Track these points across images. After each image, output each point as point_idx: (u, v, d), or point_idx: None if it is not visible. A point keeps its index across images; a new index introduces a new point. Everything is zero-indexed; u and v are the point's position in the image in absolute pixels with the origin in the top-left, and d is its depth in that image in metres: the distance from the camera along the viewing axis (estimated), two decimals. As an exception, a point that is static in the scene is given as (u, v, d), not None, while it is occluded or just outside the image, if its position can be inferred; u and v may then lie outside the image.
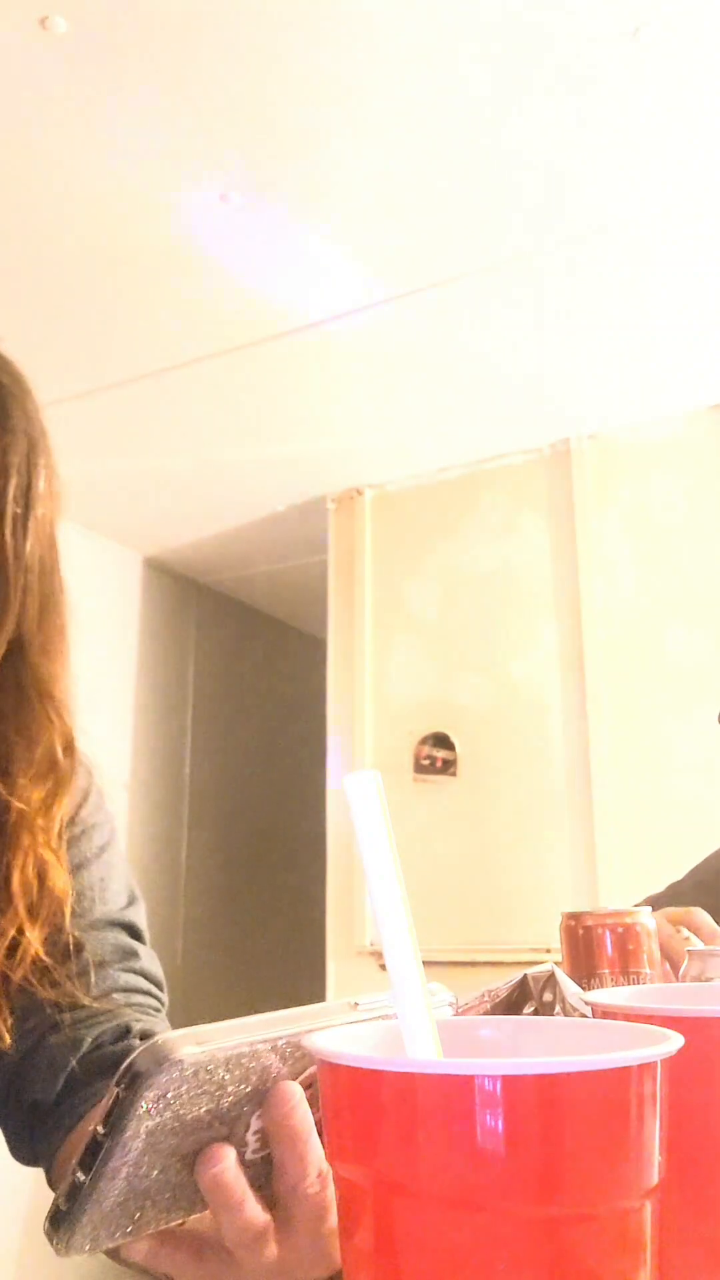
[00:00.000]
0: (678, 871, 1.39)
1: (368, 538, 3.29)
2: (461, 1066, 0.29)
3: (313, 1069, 0.46)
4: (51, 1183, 0.74)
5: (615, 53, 1.75)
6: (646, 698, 2.80)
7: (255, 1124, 0.46)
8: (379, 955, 2.89)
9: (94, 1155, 0.42)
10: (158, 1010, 0.79)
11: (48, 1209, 0.44)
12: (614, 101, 1.85)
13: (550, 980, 0.67)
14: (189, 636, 4.06)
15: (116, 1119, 0.41)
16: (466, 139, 1.93)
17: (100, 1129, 0.41)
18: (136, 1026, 0.75)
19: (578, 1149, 0.29)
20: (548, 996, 0.67)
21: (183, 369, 2.65)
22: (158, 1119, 0.41)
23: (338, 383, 2.75)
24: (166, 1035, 0.41)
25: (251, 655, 4.36)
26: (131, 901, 0.84)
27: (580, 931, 0.81)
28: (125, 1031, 0.75)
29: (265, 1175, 0.47)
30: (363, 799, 0.35)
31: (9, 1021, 0.72)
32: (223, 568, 3.98)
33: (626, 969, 0.79)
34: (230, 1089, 0.44)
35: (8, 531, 0.75)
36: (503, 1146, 0.29)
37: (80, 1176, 0.42)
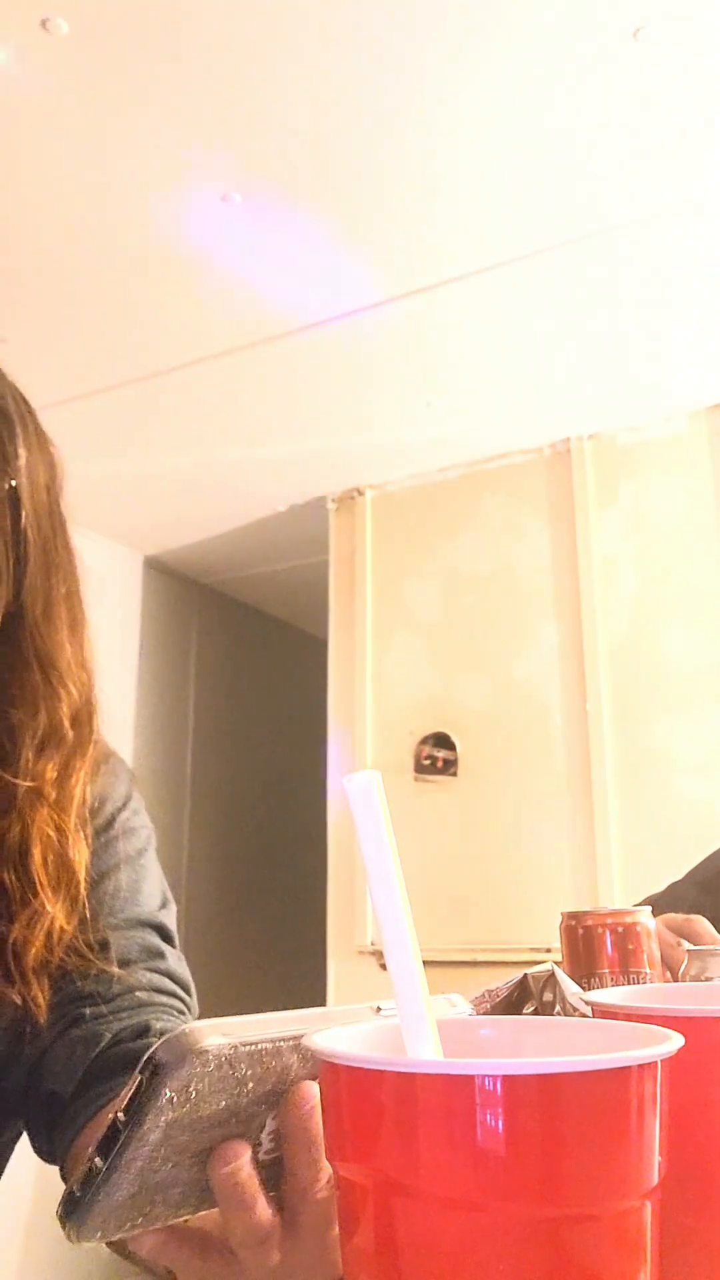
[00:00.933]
0: (677, 871, 1.39)
1: (368, 538, 3.29)
2: (462, 1066, 0.29)
3: None
4: (65, 1175, 0.74)
5: (615, 53, 1.75)
6: (646, 697, 2.80)
7: (270, 1124, 0.46)
8: (379, 955, 2.89)
9: (112, 1143, 0.41)
10: (182, 1013, 0.79)
11: (61, 1195, 0.44)
12: (614, 102, 1.85)
13: (550, 980, 0.67)
14: (189, 636, 4.06)
15: (138, 1107, 0.41)
16: (466, 139, 1.93)
17: (121, 1116, 0.41)
18: (157, 1025, 0.75)
19: (578, 1149, 0.29)
20: (548, 996, 0.67)
21: (183, 369, 2.66)
22: (178, 1111, 0.41)
23: (338, 383, 2.75)
24: (192, 1025, 0.41)
25: (252, 655, 4.36)
26: (164, 905, 0.84)
27: (580, 931, 0.81)
28: (145, 1029, 0.75)
29: (276, 1177, 0.47)
30: (363, 799, 0.35)
31: (46, 996, 0.72)
32: (223, 568, 3.98)
33: (626, 969, 0.79)
34: (250, 1086, 0.44)
35: None
36: (503, 1146, 0.29)
37: (97, 1163, 0.42)
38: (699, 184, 2.05)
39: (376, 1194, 0.32)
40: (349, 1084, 0.32)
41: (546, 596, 2.99)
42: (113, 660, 3.75)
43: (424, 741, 3.04)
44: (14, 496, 0.76)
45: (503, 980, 0.69)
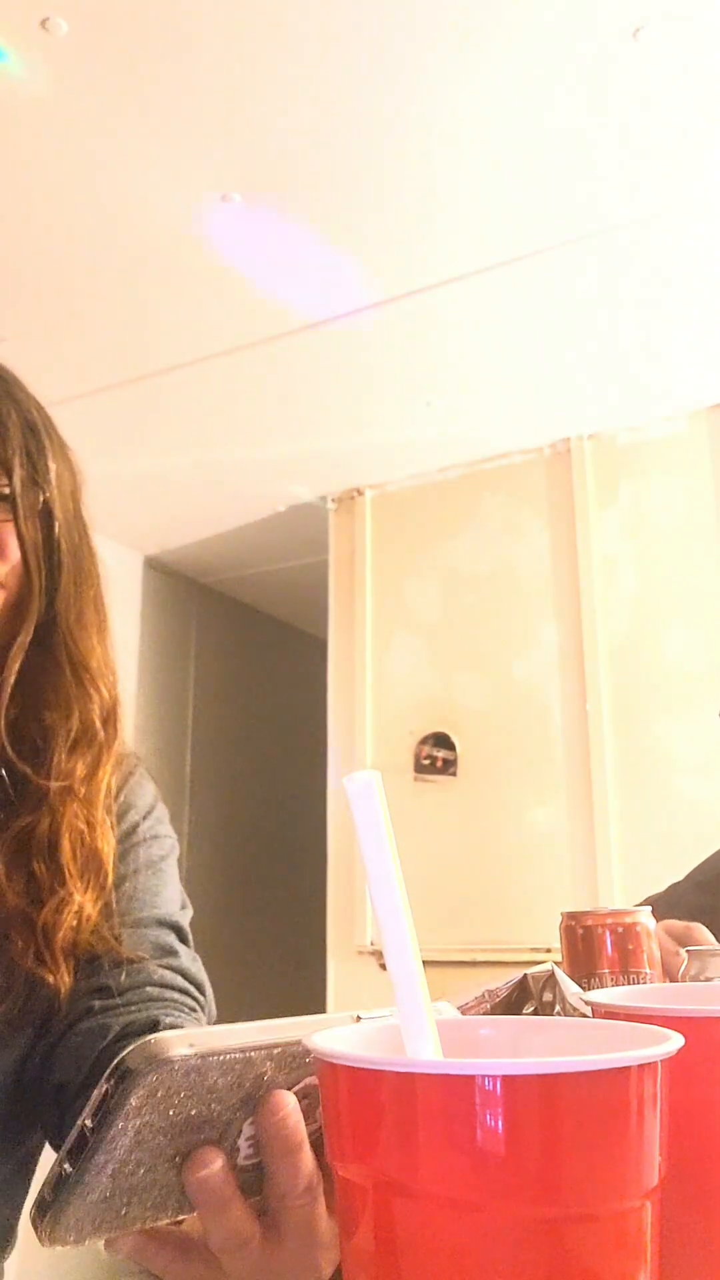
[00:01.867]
0: (678, 871, 1.39)
1: (368, 538, 3.29)
2: (462, 1066, 0.29)
3: (309, 1080, 0.46)
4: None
5: (616, 53, 1.75)
6: (646, 697, 2.80)
7: (248, 1130, 0.46)
8: (379, 954, 2.89)
9: (80, 1148, 0.41)
10: (194, 1010, 0.79)
11: (34, 1198, 0.44)
12: (614, 102, 1.85)
13: (550, 980, 0.67)
14: (189, 636, 4.06)
15: (104, 1114, 0.41)
16: (466, 139, 1.93)
17: (88, 1123, 0.41)
18: (166, 1020, 0.75)
19: (578, 1149, 0.29)
20: (548, 996, 0.67)
21: (183, 369, 2.65)
22: (146, 1117, 0.41)
23: (338, 383, 2.75)
24: (161, 1035, 0.41)
25: (252, 655, 4.36)
26: (183, 908, 0.85)
27: (580, 931, 0.81)
28: (154, 1024, 0.75)
29: (257, 1182, 0.47)
30: (363, 799, 0.35)
31: (71, 981, 0.73)
32: (223, 568, 3.98)
33: (626, 969, 0.79)
34: (223, 1094, 0.43)
35: (25, 522, 0.76)
36: (503, 1146, 0.29)
37: (66, 1168, 0.42)
38: (699, 184, 2.05)
39: (376, 1194, 0.32)
40: (348, 1084, 0.32)
41: (546, 596, 2.99)
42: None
43: (424, 741, 3.04)
44: (47, 509, 0.78)
45: (503, 980, 0.69)
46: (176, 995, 0.78)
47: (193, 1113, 0.43)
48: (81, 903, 0.73)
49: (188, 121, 1.88)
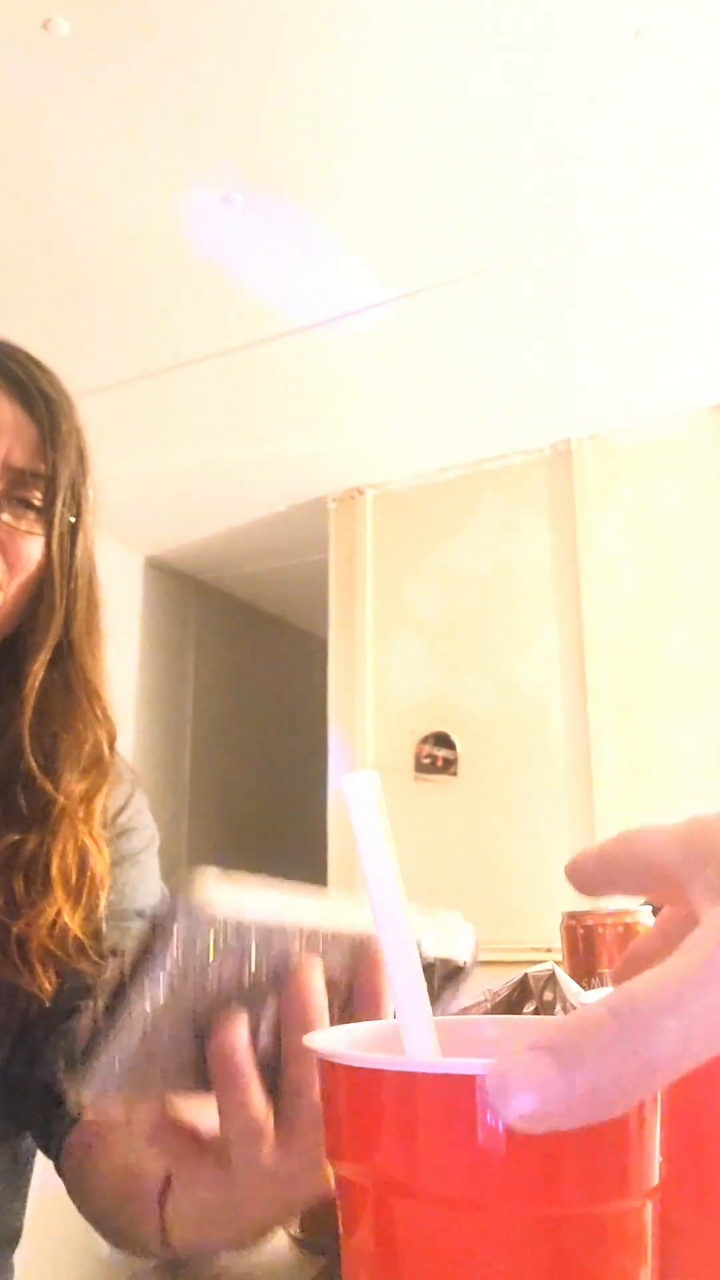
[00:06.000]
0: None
1: (368, 537, 3.28)
2: (462, 1066, 0.29)
3: (339, 966, 0.46)
4: (60, 1171, 0.74)
5: (617, 54, 1.74)
6: (647, 698, 2.80)
7: (271, 1014, 0.45)
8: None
9: (117, 1001, 0.41)
10: None
11: (64, 1058, 0.44)
12: (615, 103, 1.85)
13: (550, 980, 0.67)
14: (189, 636, 4.06)
15: (145, 966, 0.40)
16: (468, 140, 1.93)
17: (127, 972, 0.41)
18: None
19: (578, 1149, 0.29)
20: (548, 996, 0.67)
21: (183, 369, 2.65)
22: (183, 975, 0.41)
23: (338, 383, 2.75)
24: (205, 891, 0.41)
25: (252, 654, 4.36)
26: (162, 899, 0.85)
27: (580, 931, 0.81)
28: None
29: (273, 1081, 0.47)
30: (361, 800, 0.35)
31: (53, 984, 0.73)
32: (224, 567, 3.98)
33: (627, 969, 0.79)
34: (255, 963, 0.43)
35: (59, 543, 0.77)
36: (503, 1146, 0.29)
37: (101, 1021, 0.41)
38: (700, 184, 2.05)
39: (376, 1194, 0.32)
40: (348, 1084, 0.32)
41: (547, 596, 2.99)
42: (113, 660, 3.74)
43: (424, 741, 3.04)
44: (75, 533, 0.80)
45: (503, 980, 0.69)
46: None
47: (225, 977, 0.42)
48: (59, 913, 0.74)
49: (188, 122, 1.88)
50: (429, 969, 0.49)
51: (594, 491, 2.99)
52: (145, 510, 3.49)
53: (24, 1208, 0.85)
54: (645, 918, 0.82)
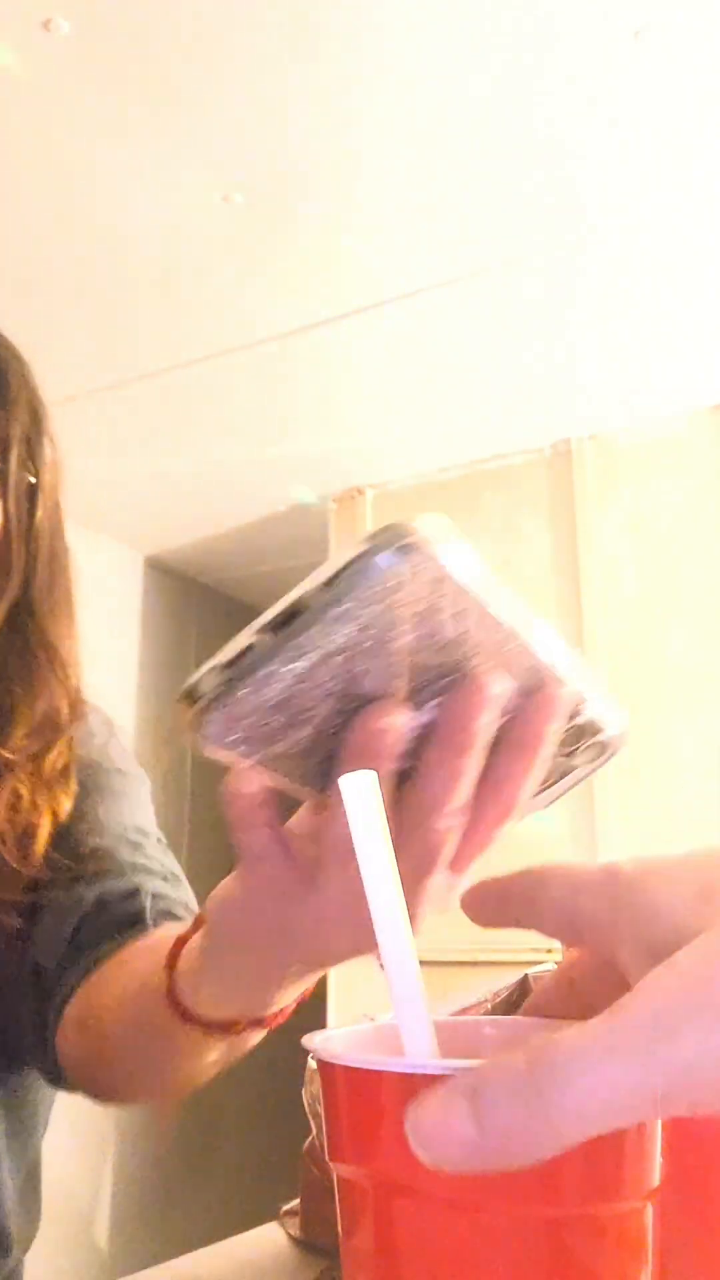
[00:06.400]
0: (678, 872, 1.39)
1: (368, 538, 3.28)
2: (462, 1066, 0.29)
3: (510, 690, 0.39)
4: (59, 1061, 0.71)
5: (617, 54, 1.75)
6: (648, 698, 2.80)
7: (427, 716, 0.38)
8: (379, 954, 2.88)
9: (290, 620, 0.35)
10: (177, 879, 0.78)
11: (200, 672, 0.36)
12: (615, 103, 1.85)
13: (550, 980, 0.67)
14: (189, 636, 4.06)
15: (338, 583, 0.34)
16: (467, 140, 1.93)
17: (315, 589, 0.35)
18: (149, 886, 0.73)
19: (578, 1149, 0.29)
20: (548, 997, 0.67)
21: (183, 369, 2.65)
22: (366, 614, 0.35)
23: (338, 383, 2.75)
24: (428, 531, 0.36)
25: (252, 655, 4.36)
26: (150, 826, 0.83)
27: (580, 932, 0.81)
28: (134, 891, 0.73)
29: (399, 790, 0.40)
30: (360, 800, 0.35)
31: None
32: (224, 568, 3.98)
33: (627, 969, 0.79)
34: (437, 639, 0.36)
35: (15, 504, 0.77)
36: None
37: (258, 639, 0.35)
38: (700, 184, 2.05)
39: (376, 1194, 0.32)
40: (347, 1085, 0.33)
41: (547, 597, 2.99)
42: (113, 660, 3.75)
43: (424, 741, 3.03)
44: (33, 491, 0.79)
45: (502, 980, 0.69)
46: (154, 867, 0.77)
47: (405, 640, 0.36)
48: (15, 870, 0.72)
49: (189, 122, 1.88)
50: (579, 730, 0.45)
51: (594, 491, 2.99)
52: (145, 510, 3.49)
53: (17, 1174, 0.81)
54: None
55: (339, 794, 0.35)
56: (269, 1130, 3.64)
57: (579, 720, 0.44)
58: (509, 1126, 0.25)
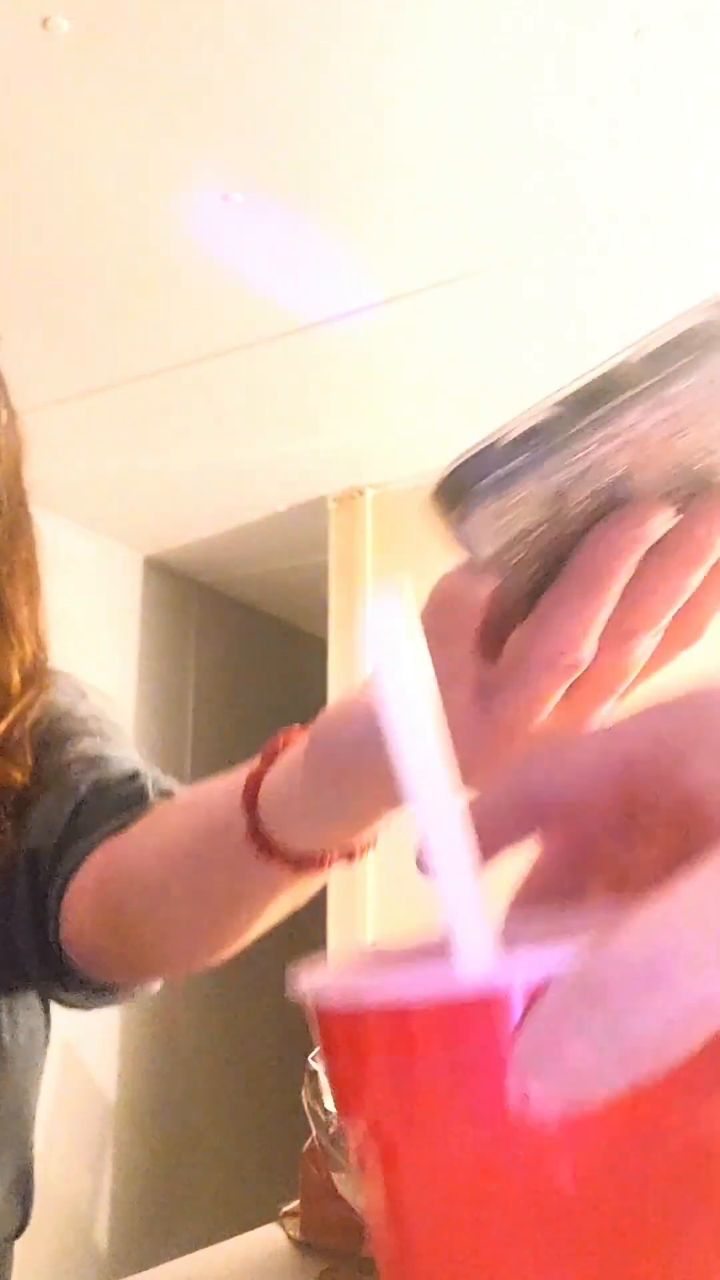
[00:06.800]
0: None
1: (369, 538, 3.28)
2: (562, 959, 0.21)
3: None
4: (64, 944, 0.68)
5: (617, 54, 1.74)
6: (647, 698, 2.80)
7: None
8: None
9: (600, 399, 0.30)
10: (168, 779, 0.75)
11: (466, 453, 0.30)
12: (615, 103, 1.85)
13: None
14: (189, 636, 4.06)
15: (673, 357, 0.30)
16: (467, 140, 1.93)
17: (637, 366, 0.30)
18: (148, 770, 0.72)
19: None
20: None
21: (183, 369, 2.65)
22: (689, 399, 0.30)
23: (339, 383, 2.75)
24: None
25: (252, 655, 4.36)
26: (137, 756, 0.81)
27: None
28: (135, 774, 0.72)
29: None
30: (386, 616, 0.27)
31: None
32: (223, 568, 3.98)
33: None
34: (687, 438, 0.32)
35: None
36: None
37: (555, 413, 0.31)
38: (700, 184, 2.05)
39: (444, 1122, 0.23)
40: (376, 1028, 0.24)
41: (547, 597, 2.98)
42: (113, 660, 3.75)
43: (424, 742, 3.03)
44: None
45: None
46: (140, 762, 0.75)
47: (692, 440, 0.32)
48: None
49: (188, 121, 1.88)
50: None
51: (594, 492, 2.98)
52: (144, 510, 3.49)
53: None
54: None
55: (550, 606, 0.34)
56: (269, 1130, 3.64)
57: None
58: (642, 1031, 0.20)
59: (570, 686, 0.39)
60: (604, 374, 0.31)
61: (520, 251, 2.24)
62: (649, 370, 0.30)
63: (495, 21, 1.69)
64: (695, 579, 0.37)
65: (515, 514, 0.33)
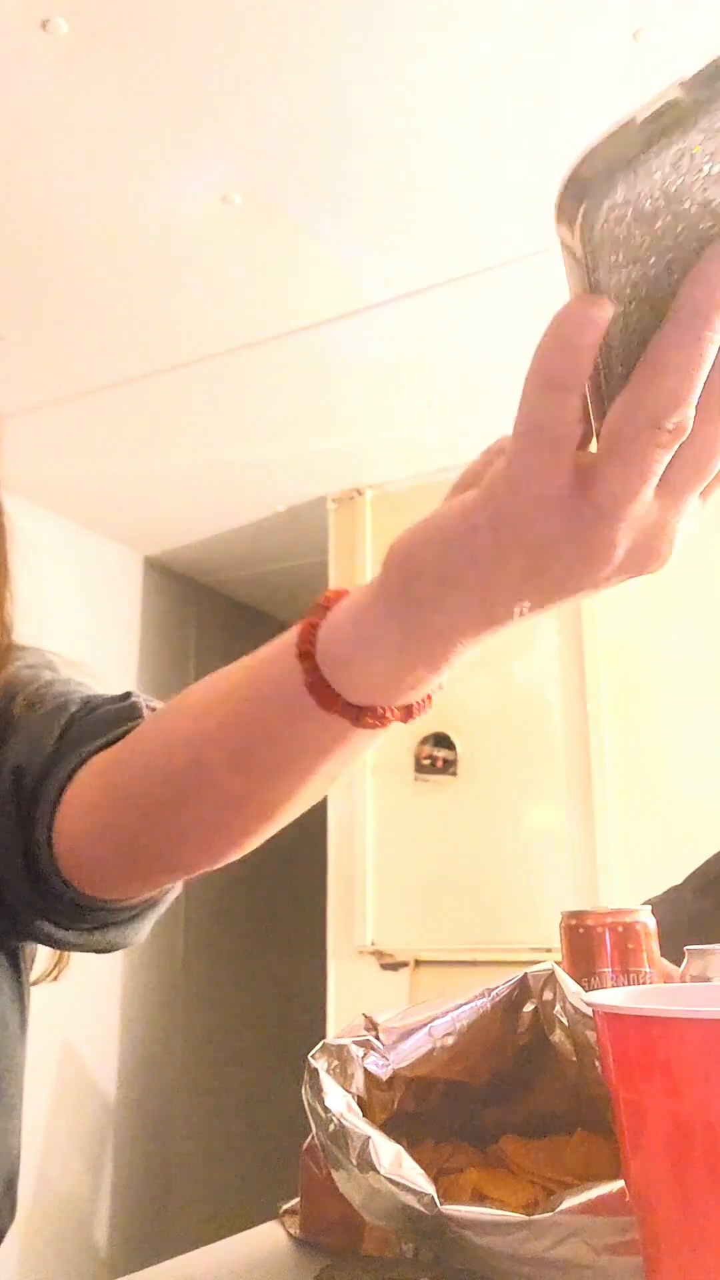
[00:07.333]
0: (678, 871, 1.39)
1: (368, 538, 3.29)
2: None
3: None
4: (48, 867, 0.63)
5: (617, 54, 1.75)
6: (647, 697, 2.80)
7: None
8: (379, 955, 2.89)
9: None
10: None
11: (592, 142, 0.32)
12: (615, 104, 1.85)
13: (550, 980, 0.67)
14: (189, 636, 4.06)
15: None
16: (467, 140, 1.93)
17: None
18: (137, 697, 0.68)
19: None
20: (548, 996, 0.67)
21: (183, 369, 2.65)
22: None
23: (338, 383, 2.75)
24: None
25: (252, 655, 4.36)
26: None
27: (580, 931, 0.81)
28: (126, 694, 0.69)
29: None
30: None
31: None
32: (223, 568, 3.98)
33: (626, 969, 0.79)
34: None
35: None
36: None
37: (681, 94, 0.30)
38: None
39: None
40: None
41: (546, 596, 2.99)
42: (113, 660, 3.75)
43: (424, 741, 3.04)
44: None
45: (502, 980, 0.69)
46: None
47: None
48: None
49: (188, 122, 1.88)
50: None
51: (594, 491, 2.99)
52: (145, 511, 3.49)
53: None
54: (645, 917, 0.82)
55: (649, 365, 0.34)
56: (269, 1129, 3.65)
57: None
58: None
59: (667, 469, 0.38)
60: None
61: (520, 251, 2.25)
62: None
63: (494, 23, 1.69)
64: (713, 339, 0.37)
65: (641, 216, 0.34)
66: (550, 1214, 0.52)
